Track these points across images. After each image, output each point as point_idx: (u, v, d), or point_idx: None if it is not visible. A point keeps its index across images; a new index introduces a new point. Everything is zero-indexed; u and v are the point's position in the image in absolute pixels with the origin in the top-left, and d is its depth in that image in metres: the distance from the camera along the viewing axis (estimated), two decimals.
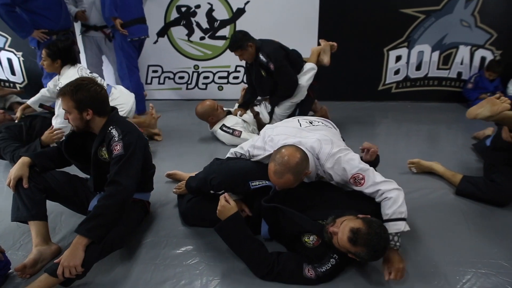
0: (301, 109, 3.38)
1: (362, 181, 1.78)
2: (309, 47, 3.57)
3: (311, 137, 1.92)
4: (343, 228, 1.58)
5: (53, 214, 2.02)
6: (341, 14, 4.14)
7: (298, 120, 2.16)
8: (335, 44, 3.44)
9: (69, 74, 2.85)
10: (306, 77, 3.28)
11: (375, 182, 1.76)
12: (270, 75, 3.21)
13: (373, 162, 2.04)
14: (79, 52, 4.21)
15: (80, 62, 2.79)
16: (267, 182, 1.90)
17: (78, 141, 1.96)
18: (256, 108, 3.46)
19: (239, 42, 3.16)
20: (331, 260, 1.69)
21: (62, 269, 1.57)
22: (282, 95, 3.32)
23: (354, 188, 1.83)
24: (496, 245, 1.97)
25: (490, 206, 2.31)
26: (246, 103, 3.56)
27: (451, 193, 2.49)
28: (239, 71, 4.48)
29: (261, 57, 3.16)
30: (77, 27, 4.02)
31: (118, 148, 1.77)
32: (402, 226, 1.69)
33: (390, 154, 3.01)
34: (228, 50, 4.32)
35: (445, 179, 2.60)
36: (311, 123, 2.11)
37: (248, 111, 3.47)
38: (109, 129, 1.82)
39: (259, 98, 3.57)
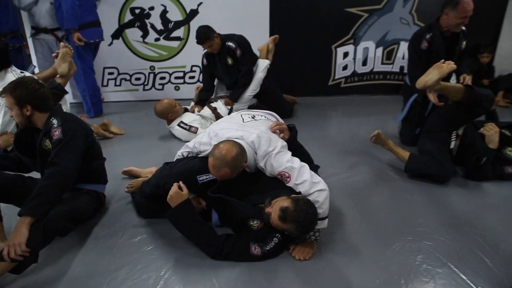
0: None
1: (288, 179, 1.92)
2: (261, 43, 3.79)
3: (252, 131, 2.04)
4: (275, 208, 1.75)
5: (6, 216, 2.06)
6: (290, 14, 4.35)
7: (241, 115, 2.30)
8: (277, 36, 3.92)
9: (8, 79, 2.62)
10: (261, 71, 3.68)
11: (300, 182, 1.88)
12: (235, 62, 3.60)
13: (291, 138, 2.19)
14: (29, 55, 4.18)
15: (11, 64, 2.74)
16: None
17: (27, 138, 2.04)
18: (213, 104, 3.60)
19: (207, 34, 3.48)
20: (274, 239, 1.86)
21: (7, 249, 1.62)
22: (242, 82, 3.64)
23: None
24: (423, 216, 2.24)
25: (426, 186, 2.58)
26: (203, 101, 3.71)
27: (389, 176, 2.76)
28: (194, 71, 4.58)
29: (230, 43, 3.55)
30: (28, 29, 3.99)
31: (57, 133, 1.89)
32: (322, 224, 1.88)
33: (342, 144, 3.28)
34: (183, 51, 4.48)
35: (395, 155, 2.84)
36: (254, 117, 2.27)
37: (206, 108, 3.61)
38: (50, 120, 1.94)
39: (213, 96, 3.76)
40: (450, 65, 2.39)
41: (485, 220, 2.20)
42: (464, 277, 1.76)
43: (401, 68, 4.63)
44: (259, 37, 4.19)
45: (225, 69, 3.67)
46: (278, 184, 1.98)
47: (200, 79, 4.53)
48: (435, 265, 1.84)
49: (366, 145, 3.16)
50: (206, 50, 3.67)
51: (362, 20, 4.41)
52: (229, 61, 3.62)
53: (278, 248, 1.88)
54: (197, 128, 3.31)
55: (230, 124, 2.18)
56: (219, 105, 3.60)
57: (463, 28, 2.98)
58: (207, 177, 2.04)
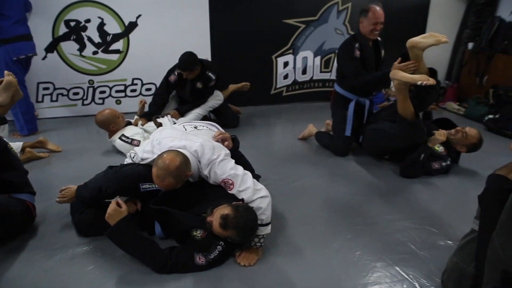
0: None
1: (231, 186, 1.96)
2: (203, 56, 3.82)
3: (195, 140, 2.06)
4: (216, 216, 1.78)
5: None
6: (231, 25, 4.44)
7: (184, 125, 2.33)
8: (247, 84, 4.29)
9: None
10: (214, 99, 3.91)
11: (243, 188, 1.93)
12: (205, 87, 3.75)
13: (233, 148, 2.23)
14: None
15: None
16: (156, 185, 2.00)
17: None
18: (159, 120, 3.56)
19: (190, 65, 3.56)
20: (218, 247, 1.88)
21: None
22: (196, 101, 3.82)
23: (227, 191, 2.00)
24: (361, 215, 2.38)
25: (364, 187, 2.74)
26: (149, 114, 3.65)
27: (330, 179, 2.89)
28: (136, 84, 4.51)
29: (211, 74, 3.70)
30: None
31: None
32: (266, 230, 1.94)
33: (287, 149, 3.39)
34: (124, 64, 4.39)
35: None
36: (196, 127, 2.30)
37: (151, 122, 3.55)
38: None
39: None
40: (444, 38, 2.60)
41: (416, 214, 2.38)
42: (397, 268, 1.89)
43: None
44: (201, 48, 4.23)
45: (192, 91, 3.75)
46: (220, 193, 2.00)
47: (143, 92, 4.47)
48: (371, 260, 1.95)
49: (309, 150, 3.30)
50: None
51: (299, 31, 4.60)
52: (199, 85, 3.72)
53: (222, 256, 1.90)
54: (139, 142, 3.25)
55: (174, 132, 2.18)
56: (165, 121, 3.55)
57: (379, 38, 3.23)
58: (150, 186, 2.02)
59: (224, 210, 1.78)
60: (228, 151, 2.11)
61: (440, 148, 2.91)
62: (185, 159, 1.94)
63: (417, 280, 1.81)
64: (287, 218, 2.34)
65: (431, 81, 2.55)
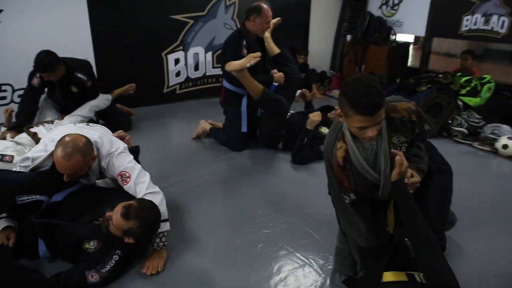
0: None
1: (128, 179, 1.87)
2: (84, 55, 3.53)
3: (93, 133, 1.96)
4: (117, 208, 1.67)
5: None
6: (113, 22, 4.12)
7: (75, 123, 2.28)
8: (133, 85, 3.96)
9: None
10: (97, 103, 3.53)
11: (140, 181, 1.88)
12: (82, 91, 3.36)
13: (134, 150, 2.15)
14: None
15: None
16: (37, 196, 1.79)
17: None
18: (33, 129, 3.14)
19: (49, 66, 3.08)
20: (114, 256, 1.72)
21: None
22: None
23: (123, 187, 1.91)
24: (260, 207, 2.41)
25: (260, 180, 2.78)
26: (19, 125, 3.19)
27: (228, 176, 2.90)
28: (5, 90, 3.93)
29: (80, 76, 3.30)
30: None
31: None
32: (166, 227, 1.87)
33: (184, 149, 3.35)
34: None
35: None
36: (88, 124, 2.23)
37: (23, 134, 3.11)
38: None
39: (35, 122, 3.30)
40: (257, 58, 2.85)
41: (310, 199, 2.49)
42: (298, 254, 1.96)
43: None
44: (81, 47, 3.88)
45: (66, 96, 3.34)
46: (115, 196, 1.90)
47: (15, 99, 3.93)
48: (273, 250, 1.99)
49: (206, 148, 3.25)
50: None
51: (188, 26, 4.49)
52: (74, 89, 3.33)
53: (119, 267, 1.74)
54: (13, 157, 2.82)
55: (67, 128, 2.03)
56: (41, 130, 3.15)
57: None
58: (29, 198, 1.77)
59: (127, 202, 1.69)
60: (126, 145, 2.04)
61: (326, 131, 3.13)
62: (88, 140, 1.84)
63: (316, 262, 1.90)
64: (190, 218, 2.27)
65: (257, 55, 2.85)
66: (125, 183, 1.87)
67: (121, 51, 4.21)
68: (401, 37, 5.13)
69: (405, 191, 1.47)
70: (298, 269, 1.86)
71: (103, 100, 3.59)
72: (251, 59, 2.83)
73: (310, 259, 1.92)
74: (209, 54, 4.72)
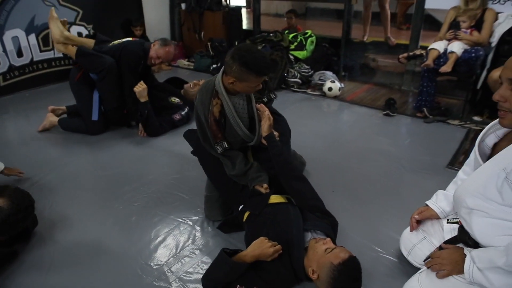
0: None
1: None
2: None
3: None
4: None
5: None
6: None
7: None
8: None
9: None
10: None
11: None
12: None
13: None
14: None
15: None
16: None
17: None
18: None
19: None
20: None
21: None
22: None
23: None
24: (128, 184, 2.39)
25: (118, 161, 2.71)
26: None
27: (90, 160, 2.73)
28: None
29: None
30: None
31: None
32: None
33: (30, 143, 2.97)
34: None
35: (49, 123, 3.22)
36: None
37: None
38: None
39: None
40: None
41: (174, 166, 2.59)
42: (171, 216, 2.07)
43: None
44: None
45: None
46: None
47: None
48: (147, 219, 2.05)
49: (58, 137, 3.01)
50: None
51: None
52: None
53: None
54: None
55: None
56: None
57: None
58: None
59: None
60: None
61: (176, 100, 3.22)
62: None
63: (189, 219, 2.04)
64: (55, 211, 2.13)
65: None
66: None
67: None
68: (234, 2, 5.41)
69: (277, 142, 1.83)
70: (174, 229, 1.96)
71: None
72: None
73: (183, 218, 2.04)
74: (32, 36, 4.17)
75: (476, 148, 1.32)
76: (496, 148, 1.32)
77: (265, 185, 1.81)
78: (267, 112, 1.82)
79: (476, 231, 1.27)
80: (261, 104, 1.87)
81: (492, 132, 1.32)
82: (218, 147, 1.85)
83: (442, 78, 3.57)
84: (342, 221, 1.81)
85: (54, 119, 3.22)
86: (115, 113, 3.12)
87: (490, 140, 1.33)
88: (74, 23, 4.46)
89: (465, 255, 1.27)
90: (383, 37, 5.00)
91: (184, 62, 5.28)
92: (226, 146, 1.85)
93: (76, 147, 2.94)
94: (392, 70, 4.58)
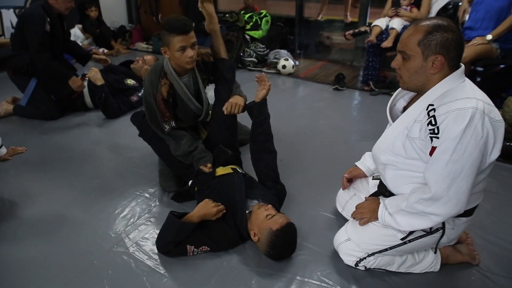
0: None
1: None
2: None
3: None
4: None
5: None
6: None
7: None
8: None
9: None
10: None
11: None
12: None
13: None
14: None
15: None
16: None
17: None
18: None
19: None
20: None
21: None
22: None
23: None
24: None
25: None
26: None
27: (50, 146, 2.78)
28: None
29: None
30: None
31: None
32: None
33: None
34: None
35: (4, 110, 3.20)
36: None
37: None
38: None
39: None
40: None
41: (127, 145, 2.67)
42: (129, 191, 2.18)
43: None
44: None
45: None
46: None
47: None
48: (105, 195, 2.15)
49: (18, 125, 3.03)
50: None
51: None
52: None
53: None
54: None
55: None
56: None
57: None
58: None
59: None
60: None
61: (132, 82, 3.30)
62: None
63: (146, 192, 2.17)
64: (22, 189, 2.19)
65: None
66: None
67: None
68: None
69: (266, 110, 2.02)
70: (132, 201, 2.08)
71: None
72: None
73: (140, 191, 2.17)
74: None
75: (388, 111, 1.52)
76: (405, 111, 1.52)
77: (209, 165, 1.98)
78: (269, 83, 1.98)
79: (389, 183, 1.48)
80: (263, 74, 2.04)
81: (401, 97, 1.53)
82: (165, 126, 1.97)
83: (391, 53, 3.80)
84: (289, 187, 2.00)
85: (8, 107, 3.20)
86: (65, 101, 3.21)
87: (400, 104, 1.53)
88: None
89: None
90: (342, 15, 5.16)
91: (142, 45, 5.28)
92: (173, 125, 1.98)
93: (36, 132, 2.95)
94: (345, 48, 4.80)
